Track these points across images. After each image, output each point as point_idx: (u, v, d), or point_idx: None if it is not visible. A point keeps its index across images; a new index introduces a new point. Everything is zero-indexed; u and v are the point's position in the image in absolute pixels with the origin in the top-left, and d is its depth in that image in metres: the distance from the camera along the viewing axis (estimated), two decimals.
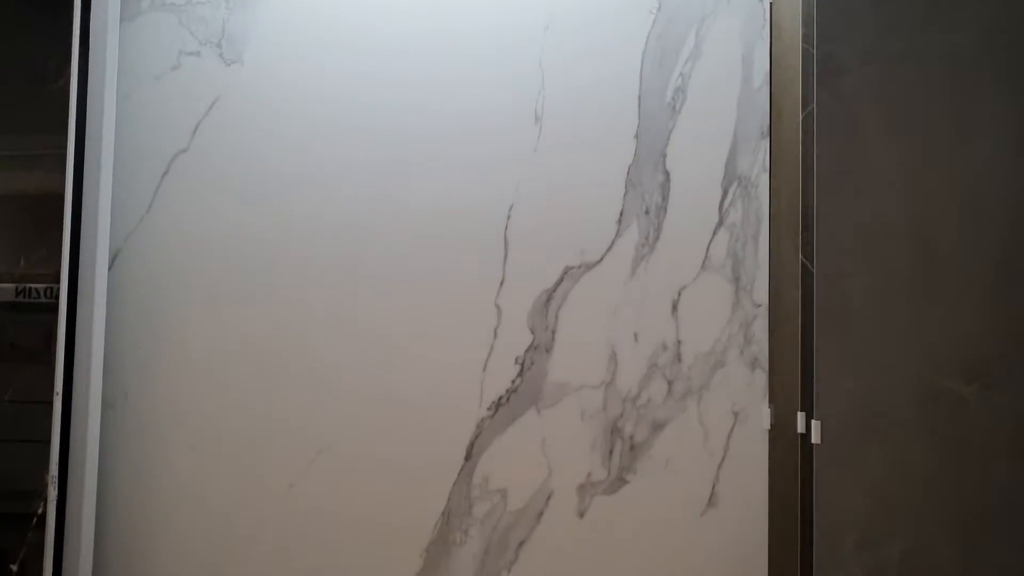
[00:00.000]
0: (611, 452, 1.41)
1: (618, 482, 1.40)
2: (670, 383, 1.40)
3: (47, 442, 1.48)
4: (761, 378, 1.38)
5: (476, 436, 1.45)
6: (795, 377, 1.33)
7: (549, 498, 1.42)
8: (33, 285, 1.60)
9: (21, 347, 1.66)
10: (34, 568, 1.47)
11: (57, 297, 1.53)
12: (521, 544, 1.42)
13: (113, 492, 1.51)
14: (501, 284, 1.45)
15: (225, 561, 1.48)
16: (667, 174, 1.41)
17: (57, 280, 1.54)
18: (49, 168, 1.54)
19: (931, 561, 1.23)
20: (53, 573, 1.46)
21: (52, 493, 1.47)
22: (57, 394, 1.47)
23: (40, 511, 1.46)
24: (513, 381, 1.44)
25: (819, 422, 1.26)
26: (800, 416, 1.31)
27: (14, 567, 1.45)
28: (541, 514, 1.42)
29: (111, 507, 1.51)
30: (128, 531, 1.50)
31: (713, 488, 1.37)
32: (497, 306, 1.45)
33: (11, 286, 1.61)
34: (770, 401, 1.38)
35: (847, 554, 1.24)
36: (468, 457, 1.45)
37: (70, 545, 1.46)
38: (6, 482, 1.55)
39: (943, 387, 1.23)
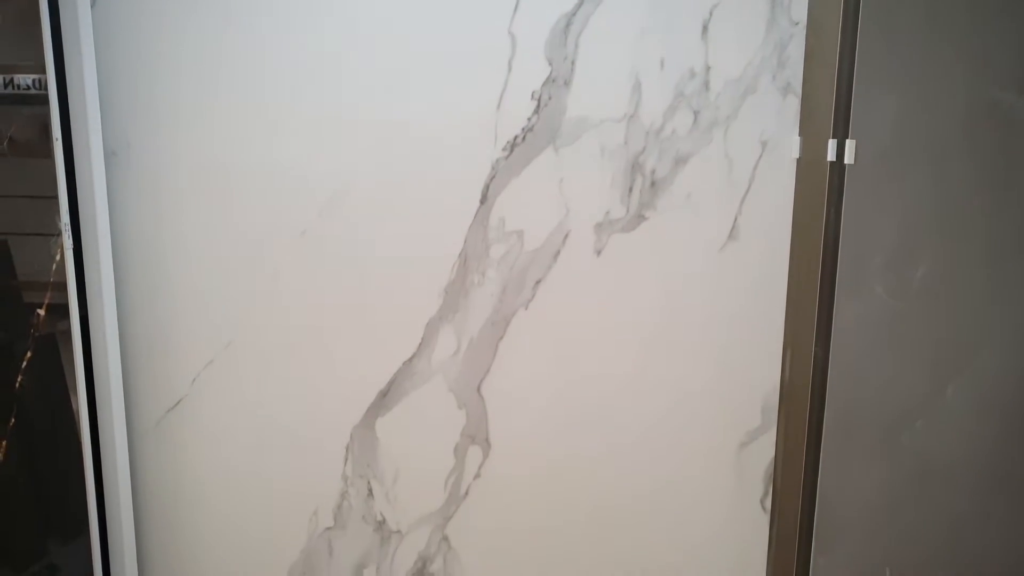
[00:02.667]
0: (631, 189, 1.36)
1: (637, 219, 1.37)
2: (696, 113, 1.32)
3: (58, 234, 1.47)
4: (793, 104, 1.30)
5: (491, 178, 1.40)
6: (830, 102, 1.25)
7: (566, 238, 1.40)
8: (20, 76, 1.50)
9: (19, 140, 1.60)
10: (59, 312, 1.50)
11: (47, 88, 1.44)
12: (538, 283, 1.42)
13: (126, 238, 1.50)
14: (515, 9, 1.33)
15: (243, 303, 1.50)
16: None
17: (45, 71, 1.44)
18: None
19: (953, 281, 1.22)
20: (80, 320, 1.49)
21: (67, 241, 1.46)
22: (56, 139, 1.42)
23: (57, 257, 1.47)
24: (529, 118, 1.37)
25: (854, 141, 1.20)
26: (832, 143, 1.25)
27: (41, 311, 1.49)
28: (558, 253, 1.41)
29: (125, 252, 1.50)
30: (144, 273, 1.51)
31: (735, 221, 1.34)
32: (511, 34, 1.34)
33: None
34: (800, 130, 1.31)
35: (870, 276, 1.23)
36: (484, 200, 1.41)
37: (91, 289, 1.48)
38: (22, 275, 1.55)
39: (994, 98, 1.15)
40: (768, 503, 1.41)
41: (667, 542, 1.47)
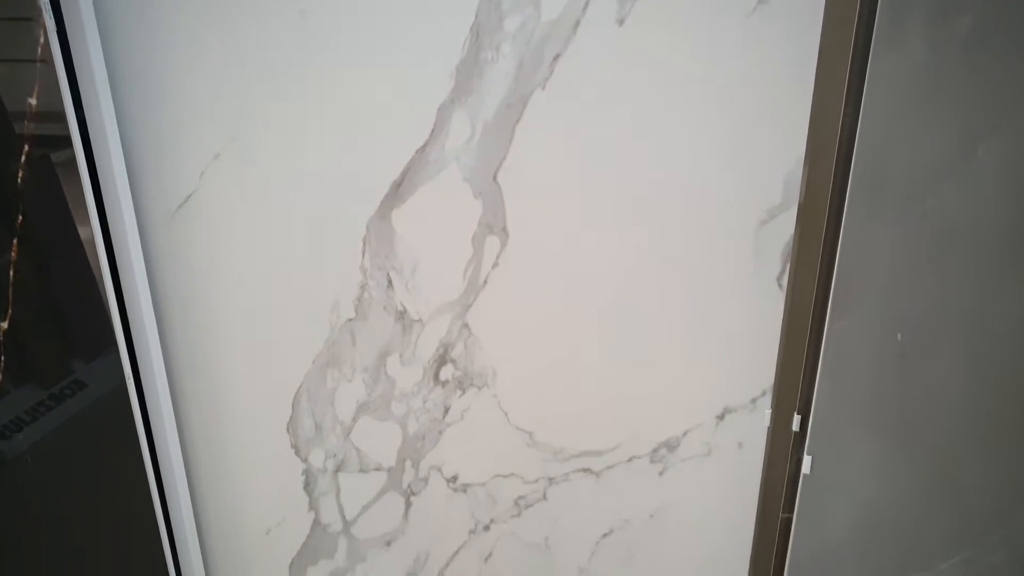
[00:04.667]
0: None
1: None
2: None
3: (41, 61, 1.35)
4: None
5: None
6: None
7: (586, 5, 1.31)
8: None
9: None
10: (55, 143, 1.42)
11: None
12: (556, 58, 1.35)
13: (112, 25, 1.40)
14: None
15: (246, 91, 1.43)
16: None
17: None
18: None
19: (999, 33, 1.15)
20: (79, 124, 1.43)
21: (48, 23, 1.36)
22: None
23: (41, 41, 1.37)
24: None
25: None
26: None
27: (32, 100, 1.41)
28: (578, 24, 1.32)
29: (113, 40, 1.41)
30: (136, 61, 1.43)
31: None
32: None
33: None
34: None
35: (910, 30, 1.17)
36: None
37: (83, 78, 1.40)
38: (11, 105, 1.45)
39: None
40: (784, 281, 1.43)
41: (681, 324, 1.50)
